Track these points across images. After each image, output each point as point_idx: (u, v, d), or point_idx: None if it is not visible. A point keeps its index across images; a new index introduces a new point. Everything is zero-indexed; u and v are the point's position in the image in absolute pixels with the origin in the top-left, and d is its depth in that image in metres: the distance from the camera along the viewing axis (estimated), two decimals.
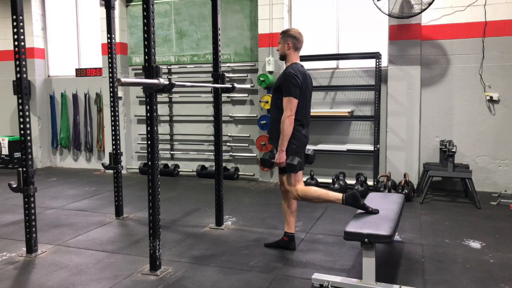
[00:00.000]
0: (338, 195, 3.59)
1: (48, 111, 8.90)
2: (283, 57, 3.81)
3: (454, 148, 5.50)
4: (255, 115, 7.31)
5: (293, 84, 3.53)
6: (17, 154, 8.44)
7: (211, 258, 3.79)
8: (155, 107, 3.38)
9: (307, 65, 7.08)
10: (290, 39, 3.74)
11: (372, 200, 3.85)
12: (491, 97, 6.07)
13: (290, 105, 3.51)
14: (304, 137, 3.71)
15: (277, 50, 3.90)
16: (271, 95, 6.80)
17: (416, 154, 6.33)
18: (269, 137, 3.81)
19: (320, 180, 6.52)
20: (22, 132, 3.74)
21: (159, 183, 3.48)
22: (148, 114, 3.37)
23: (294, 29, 3.79)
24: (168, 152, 8.08)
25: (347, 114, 6.50)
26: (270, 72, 6.88)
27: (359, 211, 3.50)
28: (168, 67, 7.88)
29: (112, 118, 5.02)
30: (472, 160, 6.23)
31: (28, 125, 3.74)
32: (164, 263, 3.62)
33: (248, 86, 5.35)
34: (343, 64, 6.94)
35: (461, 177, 5.68)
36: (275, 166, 3.71)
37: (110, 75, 4.93)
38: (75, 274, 3.47)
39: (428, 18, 6.25)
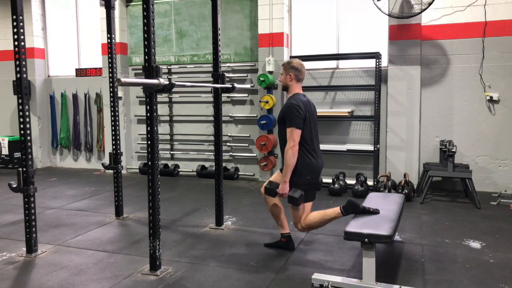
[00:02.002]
0: (336, 210, 3.58)
1: (48, 111, 8.90)
2: (285, 88, 3.83)
3: (454, 148, 5.51)
4: (255, 115, 7.31)
5: (296, 115, 3.53)
6: (17, 154, 8.44)
7: (211, 258, 3.79)
8: (155, 107, 3.38)
9: (307, 65, 7.09)
10: (292, 70, 3.74)
11: (372, 200, 3.86)
12: (491, 97, 6.07)
13: (293, 135, 3.52)
14: (317, 166, 3.69)
15: (279, 81, 3.93)
16: (271, 95, 6.87)
17: (416, 154, 6.33)
18: (282, 166, 3.79)
19: None
20: (22, 132, 3.74)
21: (159, 183, 3.48)
22: (148, 114, 3.37)
23: (296, 61, 3.79)
24: (168, 152, 8.08)
25: (347, 114, 6.50)
26: (270, 72, 6.88)
27: None
28: (168, 67, 7.88)
29: (112, 118, 5.02)
30: (472, 160, 6.23)
31: (28, 125, 3.74)
32: (164, 263, 3.62)
33: (248, 86, 5.35)
34: (343, 64, 6.94)
35: (461, 177, 5.68)
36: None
37: (110, 75, 4.93)
38: (75, 274, 3.47)
39: (428, 18, 6.25)
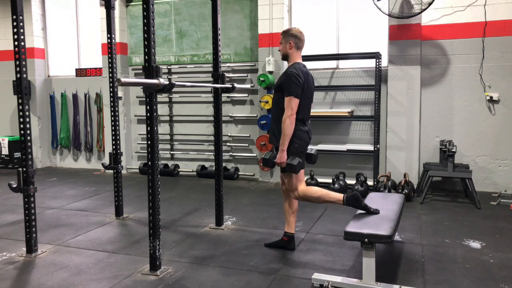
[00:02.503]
0: (339, 196, 3.59)
1: (48, 111, 8.90)
2: (285, 57, 3.81)
3: (454, 148, 5.50)
4: (255, 115, 7.31)
5: (295, 83, 3.52)
6: (17, 154, 8.44)
7: (211, 258, 3.79)
8: (155, 107, 3.38)
9: (307, 65, 7.09)
10: (292, 38, 3.73)
11: (372, 200, 3.85)
12: (491, 97, 6.07)
13: (291, 104, 3.51)
14: (307, 136, 3.71)
15: (279, 50, 3.90)
16: (271, 95, 6.86)
17: (416, 154, 6.33)
18: (270, 136, 3.81)
19: (320, 180, 6.52)
20: (22, 132, 3.74)
21: (159, 183, 3.48)
22: (148, 114, 3.37)
23: (295, 29, 3.78)
24: (168, 152, 8.08)
25: (347, 114, 6.50)
26: (270, 72, 6.88)
27: (359, 211, 3.50)
28: (168, 67, 7.88)
29: (112, 118, 5.02)
30: (472, 160, 6.23)
31: (28, 125, 3.74)
32: (164, 263, 3.62)
33: (248, 86, 5.35)
34: (343, 64, 6.94)
35: (461, 177, 5.68)
36: (277, 166, 3.71)
37: (110, 75, 4.93)
38: (75, 274, 3.47)
39: (428, 18, 6.25)
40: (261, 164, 3.81)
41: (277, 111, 3.67)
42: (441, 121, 6.35)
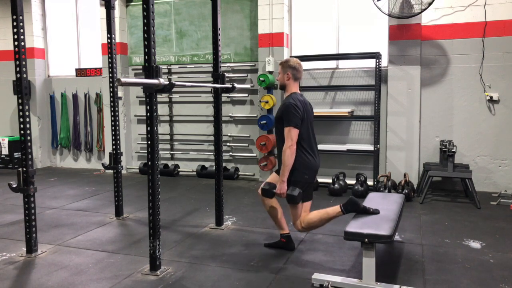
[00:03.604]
0: (337, 208, 3.57)
1: (48, 111, 8.90)
2: (282, 87, 3.83)
3: (454, 148, 5.50)
4: (255, 115, 7.31)
5: (294, 114, 3.53)
6: (17, 154, 8.44)
7: (211, 258, 3.79)
8: (155, 107, 3.38)
9: (307, 65, 7.12)
10: (289, 69, 3.74)
11: (372, 200, 3.86)
12: (491, 97, 6.07)
13: (291, 135, 3.51)
14: (315, 165, 3.70)
15: (277, 80, 3.93)
16: (271, 95, 6.87)
17: (416, 154, 6.33)
18: (278, 165, 3.78)
19: (320, 180, 6.52)
20: (22, 132, 3.74)
21: (159, 183, 3.48)
22: (148, 114, 3.37)
23: (293, 60, 3.78)
24: (168, 152, 8.08)
25: (347, 114, 6.50)
26: (270, 72, 6.88)
27: None
28: (168, 67, 7.88)
29: (112, 118, 5.02)
30: (472, 160, 6.23)
31: (28, 125, 3.74)
32: (164, 263, 3.62)
33: (248, 86, 5.35)
34: (343, 64, 6.94)
35: (461, 177, 5.68)
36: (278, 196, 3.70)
37: (110, 75, 4.93)
38: (75, 274, 3.47)
39: (428, 18, 6.25)
40: (262, 195, 3.80)
41: (280, 141, 3.68)
42: (441, 121, 6.35)
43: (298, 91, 3.78)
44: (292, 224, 3.78)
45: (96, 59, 8.44)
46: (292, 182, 3.58)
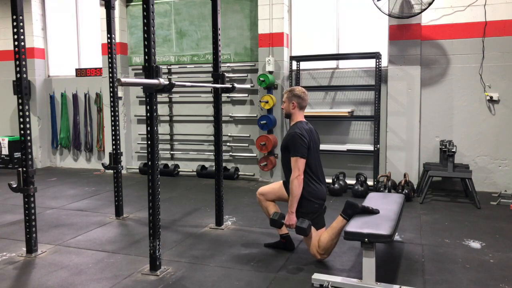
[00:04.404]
0: (339, 219, 3.52)
1: (48, 111, 8.90)
2: (287, 116, 3.81)
3: (454, 148, 5.50)
4: (255, 115, 7.31)
5: (300, 144, 3.53)
6: (17, 154, 8.44)
7: (211, 258, 3.79)
8: (155, 107, 3.38)
9: (307, 65, 7.13)
10: (295, 98, 3.73)
11: (372, 200, 3.86)
12: (491, 97, 6.07)
13: (297, 165, 3.50)
14: (323, 193, 3.68)
15: (282, 108, 3.90)
16: (271, 95, 6.86)
17: (416, 154, 6.33)
18: (286, 187, 3.77)
19: None
20: (22, 132, 3.74)
21: (159, 183, 3.48)
22: (148, 114, 3.37)
23: (298, 88, 3.78)
24: (168, 152, 8.08)
25: (347, 114, 6.50)
26: (270, 72, 6.88)
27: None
28: (168, 67, 7.88)
29: (112, 118, 5.02)
30: (472, 160, 6.23)
31: (28, 125, 3.74)
32: (164, 263, 3.62)
33: (248, 86, 5.35)
34: (343, 64, 6.94)
35: (461, 177, 5.68)
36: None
37: (110, 75, 4.93)
38: (75, 274, 3.47)
39: (428, 18, 6.25)
40: (270, 225, 3.80)
41: (287, 170, 3.67)
42: (441, 121, 6.35)
43: (304, 120, 3.77)
44: (312, 255, 3.67)
45: (96, 59, 8.44)
46: (301, 213, 3.57)
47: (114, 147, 5.05)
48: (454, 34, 6.21)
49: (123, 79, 2.90)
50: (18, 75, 3.68)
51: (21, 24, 3.64)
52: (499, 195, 5.71)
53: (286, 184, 3.73)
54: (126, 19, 8.11)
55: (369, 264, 3.04)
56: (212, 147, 7.42)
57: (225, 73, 4.51)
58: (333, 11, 6.96)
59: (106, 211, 5.40)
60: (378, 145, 6.41)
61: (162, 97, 7.91)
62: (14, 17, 3.61)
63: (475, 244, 4.07)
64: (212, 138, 7.16)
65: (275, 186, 3.91)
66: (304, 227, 3.48)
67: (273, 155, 7.00)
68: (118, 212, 5.10)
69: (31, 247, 3.88)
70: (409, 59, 6.25)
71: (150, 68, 3.28)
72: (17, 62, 3.66)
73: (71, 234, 4.51)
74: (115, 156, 5.05)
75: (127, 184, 6.77)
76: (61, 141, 8.82)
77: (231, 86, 4.49)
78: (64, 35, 8.82)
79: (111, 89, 4.97)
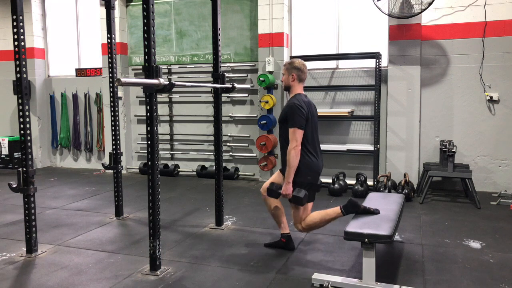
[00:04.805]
0: (336, 209, 3.57)
1: (48, 111, 8.90)
2: (287, 88, 3.81)
3: (454, 148, 5.51)
4: (255, 115, 7.31)
5: (298, 115, 3.52)
6: (17, 154, 8.43)
7: (211, 258, 3.80)
8: (155, 107, 3.38)
9: (307, 65, 7.09)
10: (294, 70, 3.73)
11: (372, 200, 3.86)
12: (491, 97, 6.07)
13: (295, 136, 3.50)
14: (318, 166, 3.69)
15: (281, 81, 3.91)
16: (271, 95, 6.86)
17: (416, 154, 6.33)
18: (282, 166, 3.78)
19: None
20: (22, 132, 3.74)
21: (159, 183, 3.48)
22: (148, 114, 3.37)
23: (298, 61, 3.78)
24: (168, 152, 8.08)
25: (347, 114, 6.50)
26: (270, 72, 6.88)
27: None
28: (168, 67, 7.88)
29: (112, 118, 5.02)
30: (472, 160, 6.23)
31: (28, 125, 3.74)
32: (164, 263, 3.62)
33: (248, 86, 5.34)
34: (343, 64, 6.94)
35: (461, 177, 5.68)
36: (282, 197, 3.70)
37: (110, 75, 4.93)
38: (75, 274, 3.47)
39: (428, 18, 6.25)
40: (267, 195, 3.80)
41: (285, 142, 3.67)
42: (441, 121, 6.35)
43: (303, 92, 3.78)
44: (293, 224, 3.78)
45: (96, 59, 8.44)
46: (296, 183, 3.57)
47: (114, 147, 5.05)
48: (454, 34, 6.21)
49: (123, 79, 2.90)
50: (18, 75, 3.68)
51: (21, 24, 3.64)
52: (499, 195, 5.71)
53: (282, 156, 3.71)
54: (126, 19, 8.11)
55: (369, 264, 3.04)
56: (212, 147, 7.42)
57: (225, 73, 4.51)
58: (333, 11, 6.96)
59: (106, 211, 5.40)
60: (378, 145, 6.41)
61: (162, 97, 7.91)
62: (14, 17, 3.61)
63: (475, 244, 4.07)
64: (212, 138, 7.16)
65: (275, 176, 3.89)
66: (301, 196, 3.51)
67: (273, 155, 7.00)
68: (118, 212, 5.10)
69: (31, 247, 3.88)
70: (409, 59, 6.25)
71: (150, 68, 3.28)
72: (17, 62, 3.67)
73: (71, 234, 4.51)
74: (115, 156, 5.05)
75: (127, 184, 6.77)
76: (61, 141, 8.82)
77: (231, 86, 4.49)
78: (64, 35, 8.82)
79: (111, 89, 4.98)
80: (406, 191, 5.69)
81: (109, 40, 4.87)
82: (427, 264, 3.61)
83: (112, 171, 5.17)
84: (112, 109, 5.00)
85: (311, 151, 3.63)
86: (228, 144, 7.58)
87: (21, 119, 3.73)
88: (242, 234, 4.47)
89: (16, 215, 5.18)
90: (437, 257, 3.76)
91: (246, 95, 7.41)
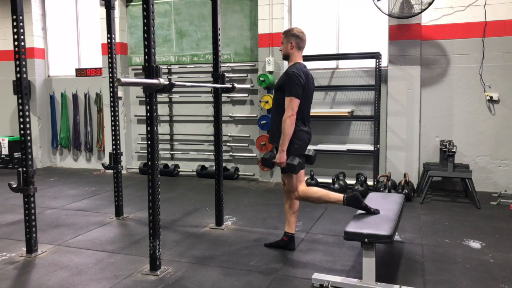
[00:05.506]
0: (339, 196, 3.59)
1: (48, 111, 8.90)
2: (286, 57, 3.80)
3: (454, 148, 5.51)
4: (255, 115, 7.31)
5: (296, 84, 3.51)
6: (17, 154, 8.44)
7: (211, 258, 3.79)
8: (155, 107, 3.38)
9: (307, 65, 7.08)
10: (293, 38, 3.72)
11: (372, 200, 3.85)
12: (491, 97, 6.07)
13: (291, 105, 3.50)
14: (307, 136, 3.70)
15: (280, 50, 3.89)
16: (271, 95, 6.86)
17: (416, 154, 6.33)
18: (270, 136, 3.80)
19: (320, 180, 6.52)
20: (22, 132, 3.74)
21: (159, 183, 3.48)
22: (148, 114, 3.37)
23: (297, 28, 3.77)
24: (168, 152, 8.08)
25: (347, 114, 6.50)
26: (270, 72, 6.88)
27: (360, 211, 3.50)
28: (168, 67, 7.88)
29: (112, 118, 5.02)
30: (472, 160, 6.23)
31: (28, 125, 3.74)
32: (164, 263, 3.62)
33: (248, 86, 5.34)
34: (343, 64, 6.94)
35: (461, 177, 5.68)
36: (276, 166, 3.71)
37: (110, 75, 4.93)
38: (75, 274, 3.47)
39: (428, 18, 6.25)
40: (261, 164, 3.80)
41: (278, 111, 3.66)
42: (441, 121, 6.35)
43: (302, 61, 3.76)
44: (286, 192, 3.80)
45: (96, 59, 8.44)
46: (289, 151, 3.58)
47: (114, 147, 5.05)
48: (454, 34, 6.21)
49: (123, 79, 2.90)
50: (18, 75, 3.68)
51: (21, 24, 3.64)
52: (499, 195, 5.70)
53: (273, 125, 3.71)
54: (126, 19, 8.11)
55: (369, 264, 3.04)
56: (212, 147, 7.42)
57: (225, 73, 4.51)
58: (333, 11, 6.96)
59: (106, 211, 5.40)
60: (378, 145, 6.41)
61: (162, 97, 7.91)
62: (14, 17, 3.61)
63: (475, 244, 4.07)
64: (212, 138, 7.16)
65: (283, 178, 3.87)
66: (295, 164, 3.53)
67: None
68: (118, 212, 5.10)
69: (31, 247, 3.88)
70: (409, 59, 6.25)
71: (150, 68, 3.28)
72: (17, 62, 3.67)
73: (71, 234, 4.51)
74: (115, 156, 5.05)
75: (127, 184, 6.77)
76: (61, 141, 8.82)
77: (231, 86, 4.49)
78: (64, 35, 8.82)
79: (111, 89, 4.98)
80: (406, 191, 5.69)
81: (109, 40, 4.87)
82: (427, 264, 3.61)
83: (112, 171, 5.17)
84: (112, 109, 5.01)
85: (300, 121, 3.63)
86: (228, 144, 7.58)
87: (21, 119, 3.73)
88: (242, 234, 4.47)
89: (16, 215, 5.18)
90: (437, 257, 3.76)
91: (246, 95, 7.41)
